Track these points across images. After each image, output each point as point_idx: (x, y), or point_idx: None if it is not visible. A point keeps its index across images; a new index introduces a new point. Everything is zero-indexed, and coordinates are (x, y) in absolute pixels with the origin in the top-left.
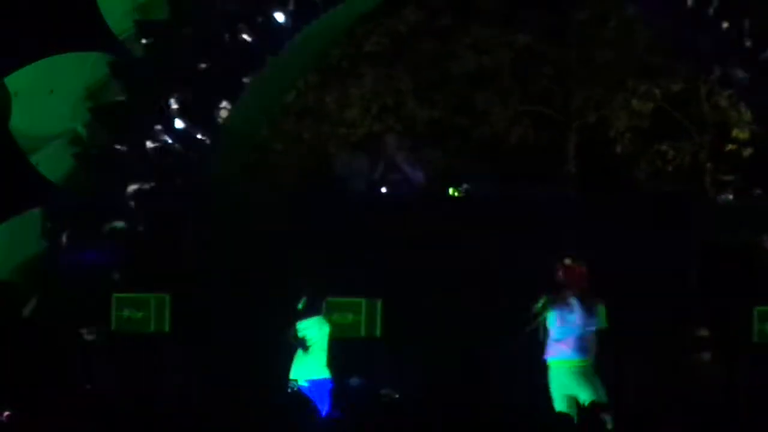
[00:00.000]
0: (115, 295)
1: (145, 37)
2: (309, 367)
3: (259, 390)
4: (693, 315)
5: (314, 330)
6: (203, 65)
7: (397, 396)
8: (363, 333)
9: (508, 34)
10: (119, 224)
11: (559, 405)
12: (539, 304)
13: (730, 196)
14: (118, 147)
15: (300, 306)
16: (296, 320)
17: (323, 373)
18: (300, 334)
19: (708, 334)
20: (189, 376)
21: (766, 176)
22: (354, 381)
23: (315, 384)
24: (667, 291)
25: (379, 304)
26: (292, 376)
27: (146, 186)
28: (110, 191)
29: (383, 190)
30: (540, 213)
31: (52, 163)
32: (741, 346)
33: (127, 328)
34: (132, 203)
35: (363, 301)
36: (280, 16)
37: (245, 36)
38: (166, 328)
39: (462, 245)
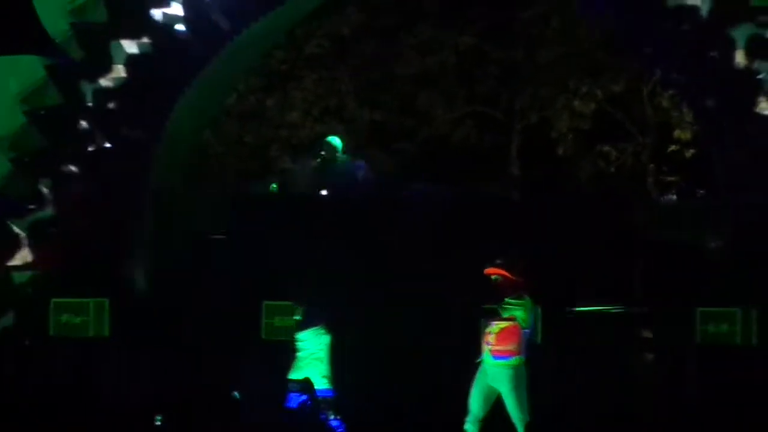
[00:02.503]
0: (54, 299)
1: (82, 40)
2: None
3: (196, 395)
4: (636, 316)
5: (312, 341)
6: (143, 67)
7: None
8: None
9: (452, 35)
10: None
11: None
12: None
13: (673, 197)
14: (57, 152)
15: (298, 316)
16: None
17: (321, 383)
18: (298, 345)
19: (651, 335)
20: (129, 381)
21: (708, 177)
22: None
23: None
24: (609, 292)
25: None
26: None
27: (85, 190)
28: (48, 196)
29: (324, 192)
30: (482, 214)
31: None
32: (684, 348)
33: (66, 332)
34: (71, 207)
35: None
36: (219, 19)
37: (185, 38)
38: (106, 333)
39: (403, 247)
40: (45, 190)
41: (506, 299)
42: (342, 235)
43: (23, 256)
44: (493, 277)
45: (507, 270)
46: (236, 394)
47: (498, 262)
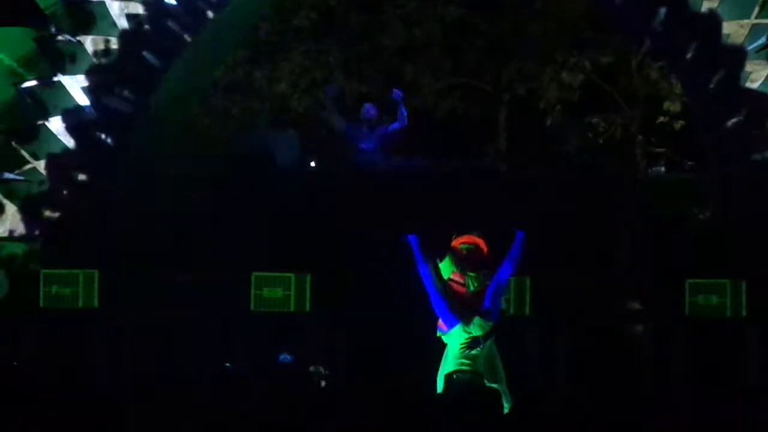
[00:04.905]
0: (43, 271)
1: (72, 12)
2: None
3: (186, 367)
4: (625, 288)
5: None
6: (131, 40)
7: (325, 372)
8: (293, 308)
9: (438, 6)
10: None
11: None
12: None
13: (662, 169)
14: (44, 123)
15: None
16: None
17: None
18: None
19: (640, 306)
20: (117, 353)
21: (697, 148)
22: (284, 357)
23: None
24: (598, 264)
25: (308, 278)
26: None
27: (73, 162)
28: (37, 167)
29: (312, 164)
30: (470, 187)
31: None
32: (673, 319)
33: (56, 304)
34: (59, 179)
35: (292, 276)
36: None
37: (173, 10)
38: (95, 304)
39: (389, 219)
40: (34, 162)
41: (475, 273)
42: (328, 205)
43: (13, 226)
44: (467, 245)
45: (484, 241)
46: (228, 365)
47: (475, 232)
